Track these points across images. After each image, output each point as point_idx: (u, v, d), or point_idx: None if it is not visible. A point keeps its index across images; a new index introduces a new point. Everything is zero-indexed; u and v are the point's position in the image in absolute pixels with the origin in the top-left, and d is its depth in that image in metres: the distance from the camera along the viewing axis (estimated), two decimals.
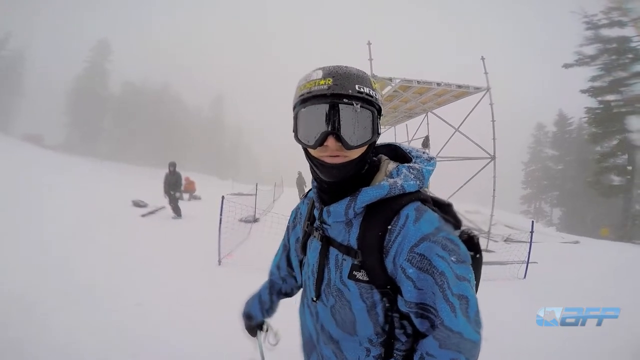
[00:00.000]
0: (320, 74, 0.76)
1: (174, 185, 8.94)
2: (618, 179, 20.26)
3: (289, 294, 1.24)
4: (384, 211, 0.76)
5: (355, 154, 0.77)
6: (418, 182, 0.79)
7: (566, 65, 21.57)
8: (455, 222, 0.84)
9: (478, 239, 0.88)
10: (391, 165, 0.85)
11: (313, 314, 0.91)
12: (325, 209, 0.84)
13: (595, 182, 21.12)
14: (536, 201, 37.18)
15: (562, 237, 12.34)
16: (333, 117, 0.73)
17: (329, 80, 0.73)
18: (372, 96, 0.75)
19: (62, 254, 4.73)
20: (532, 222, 6.64)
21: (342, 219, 0.81)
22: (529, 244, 5.97)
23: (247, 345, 2.74)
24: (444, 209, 0.84)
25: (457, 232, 0.83)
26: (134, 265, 4.67)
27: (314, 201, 0.95)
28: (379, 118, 0.79)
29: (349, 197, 0.79)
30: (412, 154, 0.88)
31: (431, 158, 0.87)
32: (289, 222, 1.14)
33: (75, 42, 48.16)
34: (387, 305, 0.78)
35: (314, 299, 0.88)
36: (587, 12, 20.40)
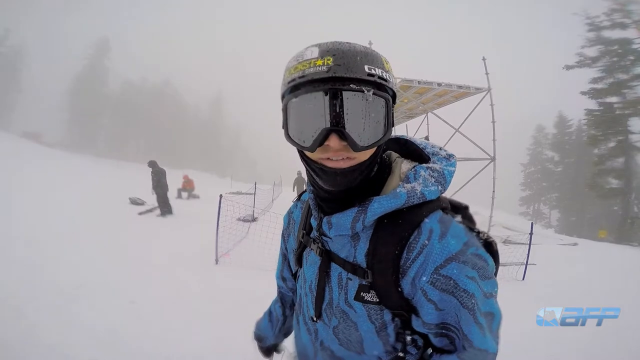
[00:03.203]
0: (315, 52, 0.58)
1: (160, 185, 8.65)
2: (616, 181, 20.30)
3: None
4: (401, 224, 0.65)
5: (364, 155, 0.62)
6: (440, 187, 0.67)
7: (567, 67, 21.58)
8: (472, 225, 0.74)
9: (496, 244, 0.76)
10: (405, 166, 0.71)
11: (311, 332, 0.82)
12: (325, 219, 0.70)
13: (594, 184, 21.16)
14: (535, 203, 37.22)
15: (561, 238, 12.33)
16: (336, 109, 0.56)
17: (329, 59, 0.57)
18: (385, 79, 0.59)
19: (56, 252, 4.70)
20: (532, 223, 6.63)
21: (347, 232, 0.68)
22: (527, 246, 5.96)
23: (241, 343, 2.73)
24: (460, 212, 0.74)
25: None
26: (130, 263, 4.64)
27: (309, 206, 0.80)
28: (393, 107, 0.63)
29: (357, 208, 0.66)
30: (427, 150, 0.73)
31: (450, 155, 0.72)
32: (283, 229, 0.99)
33: (74, 39, 48.08)
34: (399, 325, 0.70)
35: (314, 319, 0.78)
36: (589, 14, 20.41)
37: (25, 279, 3.65)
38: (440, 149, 0.74)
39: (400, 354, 0.72)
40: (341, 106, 0.56)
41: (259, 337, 1.12)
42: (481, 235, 0.73)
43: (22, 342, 2.51)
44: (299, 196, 0.95)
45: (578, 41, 21.08)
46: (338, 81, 0.56)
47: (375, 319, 0.69)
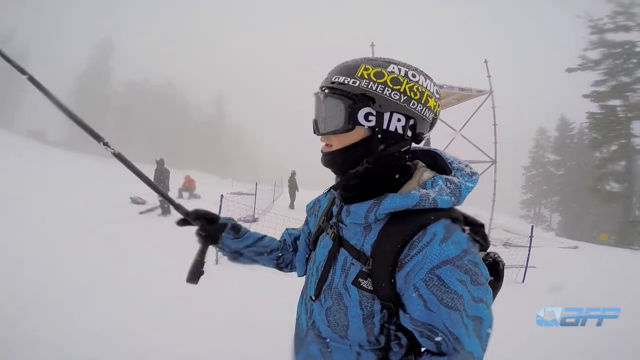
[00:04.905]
0: None
1: (161, 185, 8.67)
2: (617, 185, 20.25)
3: (280, 264, 1.12)
4: (409, 223, 0.70)
5: (336, 144, 0.77)
6: (453, 199, 0.72)
7: (570, 70, 21.57)
8: (484, 244, 0.79)
9: (504, 265, 0.85)
10: (427, 174, 0.78)
11: (308, 311, 0.89)
12: (345, 207, 0.80)
13: (595, 188, 21.12)
14: (536, 206, 37.16)
15: (561, 242, 12.30)
16: (314, 107, 0.81)
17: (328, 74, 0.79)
18: (345, 84, 0.73)
19: (58, 251, 4.72)
20: (532, 226, 6.63)
21: (361, 222, 0.76)
22: (528, 249, 5.96)
23: (241, 343, 2.73)
24: (474, 229, 0.78)
25: (482, 254, 0.80)
26: (130, 262, 4.65)
27: (335, 197, 0.92)
28: (376, 108, 0.73)
29: (372, 200, 0.75)
30: (453, 165, 0.81)
31: (474, 173, 0.80)
32: (307, 208, 1.10)
33: (78, 40, 48.34)
34: (385, 317, 0.75)
35: (313, 297, 0.85)
36: (592, 16, 20.38)
37: (27, 279, 3.66)
38: (466, 165, 0.81)
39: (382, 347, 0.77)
40: (315, 105, 0.81)
41: (234, 226, 1.07)
42: (491, 254, 0.82)
43: (23, 341, 2.52)
44: (330, 189, 1.01)
45: (581, 44, 21.10)
46: (320, 89, 0.79)
47: (365, 306, 0.75)
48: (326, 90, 0.76)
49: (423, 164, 0.83)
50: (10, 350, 2.42)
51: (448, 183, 0.74)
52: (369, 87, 0.72)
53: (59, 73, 41.96)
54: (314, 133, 0.81)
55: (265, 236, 1.13)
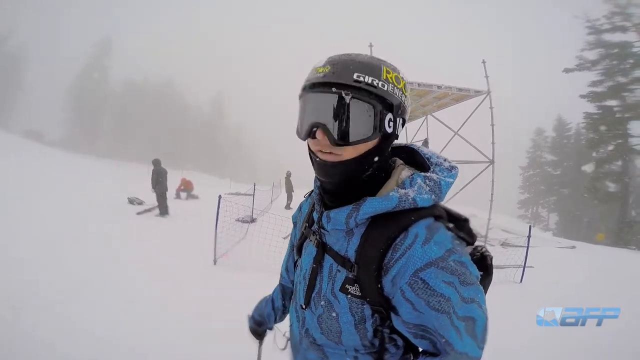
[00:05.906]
0: (323, 62, 0.69)
1: (159, 185, 8.62)
2: (614, 185, 20.31)
3: None
4: (390, 225, 0.68)
5: (349, 153, 0.68)
6: (433, 196, 0.69)
7: (567, 70, 21.61)
8: (470, 239, 0.76)
9: (491, 259, 0.82)
10: (405, 173, 0.75)
11: (300, 319, 0.87)
12: (325, 213, 0.77)
13: (592, 188, 21.18)
14: (533, 206, 37.26)
15: (559, 241, 12.34)
16: (322, 108, 0.66)
17: (327, 67, 0.67)
18: (375, 86, 0.65)
19: (55, 252, 4.71)
20: (530, 226, 6.64)
21: (342, 228, 0.73)
22: (525, 249, 5.98)
23: (240, 343, 2.73)
24: (459, 224, 0.75)
25: (469, 249, 0.78)
26: (128, 263, 4.64)
27: (315, 202, 0.88)
28: (395, 114, 0.69)
29: (352, 205, 0.71)
30: (432, 160, 0.78)
31: (452, 167, 0.77)
32: (293, 219, 1.07)
33: (76, 39, 48.22)
34: (377, 321, 0.74)
35: (303, 306, 0.83)
36: (589, 17, 20.42)
37: (25, 279, 3.65)
38: (445, 160, 0.79)
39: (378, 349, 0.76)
40: (326, 106, 0.66)
41: (259, 322, 1.17)
42: (478, 248, 0.79)
43: (22, 342, 2.52)
44: (310, 193, 1.00)
45: (578, 44, 21.14)
46: (328, 85, 0.66)
47: (356, 312, 0.74)
48: (350, 92, 0.65)
49: (401, 162, 0.80)
50: (10, 350, 2.42)
51: (427, 180, 0.72)
52: (394, 92, 0.68)
53: (57, 72, 41.89)
54: (332, 144, 0.66)
55: (273, 302, 1.18)
